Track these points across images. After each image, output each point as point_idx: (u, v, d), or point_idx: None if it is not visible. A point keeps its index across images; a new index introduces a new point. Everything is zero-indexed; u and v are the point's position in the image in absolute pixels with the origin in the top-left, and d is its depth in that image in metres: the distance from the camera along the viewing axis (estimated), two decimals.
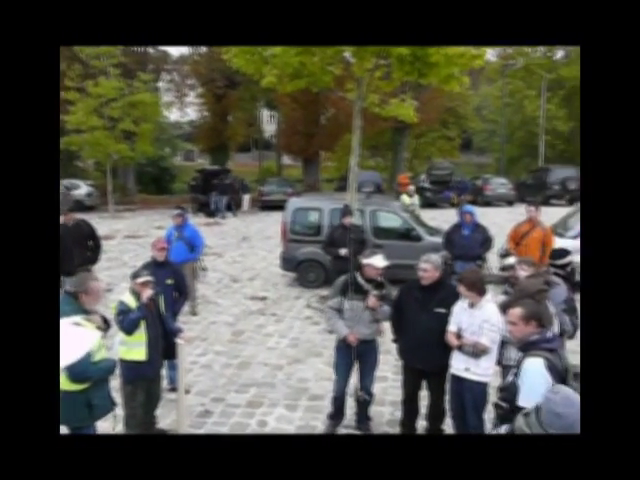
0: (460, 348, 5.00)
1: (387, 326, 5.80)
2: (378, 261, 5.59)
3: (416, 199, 15.15)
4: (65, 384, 4.18)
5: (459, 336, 5.03)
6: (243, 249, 16.88)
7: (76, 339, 3.80)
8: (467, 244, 9.35)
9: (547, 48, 41.44)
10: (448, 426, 5.56)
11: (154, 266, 6.61)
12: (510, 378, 3.80)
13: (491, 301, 5.06)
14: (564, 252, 6.39)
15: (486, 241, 9.50)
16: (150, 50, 32.30)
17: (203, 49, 33.88)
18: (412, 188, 15.52)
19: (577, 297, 5.91)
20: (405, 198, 15.00)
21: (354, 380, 5.86)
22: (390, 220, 11.96)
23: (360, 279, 5.65)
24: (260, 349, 8.43)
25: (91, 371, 4.35)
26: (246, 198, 27.63)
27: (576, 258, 10.52)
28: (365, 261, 5.63)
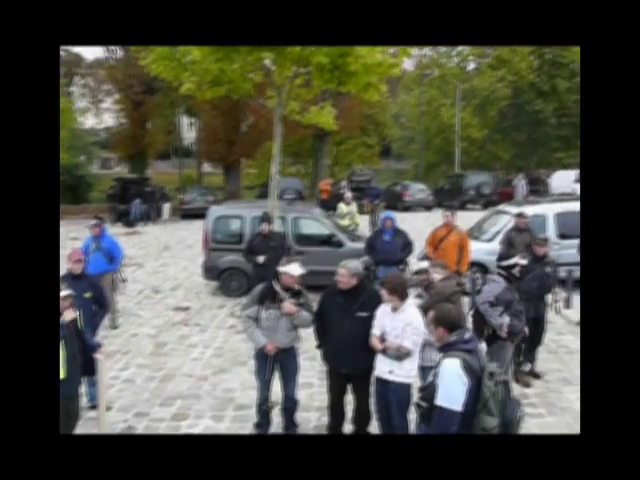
0: (384, 351, 5.09)
1: (310, 332, 5.83)
2: (294, 269, 5.60)
3: (354, 206, 15.17)
4: None
5: (383, 340, 5.13)
6: (164, 259, 16.54)
7: None
8: (388, 249, 9.55)
9: (460, 59, 43.05)
10: (374, 428, 5.64)
11: (71, 279, 6.37)
12: (430, 379, 3.91)
13: (413, 305, 5.19)
14: (507, 255, 6.63)
15: (407, 246, 9.73)
16: (62, 53, 31.17)
17: (119, 53, 33.02)
18: (349, 195, 15.52)
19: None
20: (342, 206, 15.03)
21: (277, 388, 5.87)
22: (312, 227, 12.04)
23: (277, 287, 5.66)
24: (184, 360, 8.27)
25: None
26: (166, 207, 27.12)
27: (489, 258, 11.11)
28: (282, 269, 5.63)
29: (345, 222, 14.31)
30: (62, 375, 5.15)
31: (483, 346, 6.05)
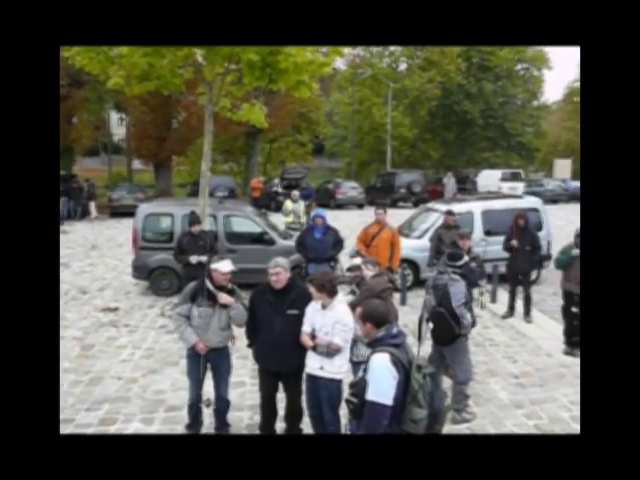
0: (314, 348, 5.12)
1: (242, 332, 5.81)
2: (224, 266, 5.58)
3: (301, 204, 15.06)
4: None
5: (313, 336, 5.16)
6: (92, 258, 16.05)
7: None
8: (319, 247, 9.61)
9: (392, 59, 43.77)
10: (306, 425, 5.67)
11: None
12: (360, 374, 3.96)
13: (342, 301, 5.24)
14: (460, 255, 6.72)
15: (337, 243, 9.82)
16: None
17: None
18: (296, 193, 15.36)
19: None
20: (288, 203, 14.93)
21: (209, 387, 5.81)
22: (243, 225, 11.99)
23: (209, 285, 5.62)
24: (112, 362, 8.06)
25: None
26: (92, 204, 26.31)
27: (418, 255, 11.35)
28: (212, 266, 5.61)
29: (289, 219, 14.29)
30: None
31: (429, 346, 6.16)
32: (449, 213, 10.38)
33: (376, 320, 3.93)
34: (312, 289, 5.11)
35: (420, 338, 6.19)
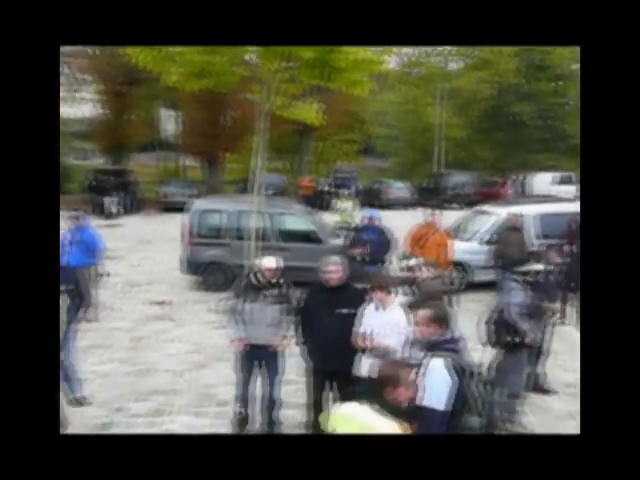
0: (368, 350, 5.06)
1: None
2: (268, 262, 5.59)
3: (349, 203, 14.96)
4: None
5: (367, 338, 5.09)
6: (144, 252, 16.36)
7: None
8: (372, 247, 9.55)
9: (442, 59, 43.14)
10: None
11: None
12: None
13: (398, 303, 5.16)
14: (524, 260, 6.53)
15: (390, 243, 9.74)
16: None
17: None
18: (347, 192, 15.37)
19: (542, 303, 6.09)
20: (338, 202, 14.90)
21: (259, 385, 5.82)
22: (293, 223, 12.02)
23: (257, 280, 5.62)
24: (162, 355, 8.18)
25: None
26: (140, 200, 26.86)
27: (469, 258, 11.12)
28: (257, 262, 5.64)
29: (338, 218, 14.26)
30: None
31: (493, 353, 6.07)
32: (514, 215, 10.17)
33: (442, 322, 3.84)
34: (369, 290, 5.06)
35: (489, 343, 6.04)
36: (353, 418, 3.27)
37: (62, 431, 5.14)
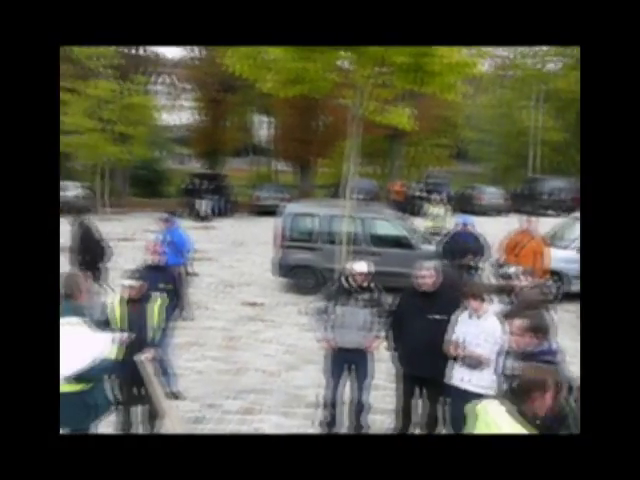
0: (460, 359, 4.97)
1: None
2: (359, 266, 5.60)
3: (441, 209, 14.75)
4: (63, 386, 4.12)
5: (459, 346, 5.01)
6: (238, 254, 16.81)
7: (83, 342, 3.76)
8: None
9: (537, 59, 41.64)
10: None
11: (148, 270, 6.52)
12: (505, 387, 3.78)
13: (493, 311, 5.04)
14: None
15: (484, 250, 9.53)
16: (144, 52, 32.24)
17: (202, 52, 33.87)
18: (438, 197, 15.25)
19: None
20: (430, 207, 14.81)
21: (347, 389, 5.84)
22: (385, 228, 11.98)
23: (348, 284, 5.65)
24: (256, 355, 8.38)
25: (92, 372, 4.29)
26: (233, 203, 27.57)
27: (565, 266, 10.66)
28: (347, 266, 5.66)
29: (430, 224, 14.14)
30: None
31: None
32: None
33: (538, 333, 3.74)
34: (465, 297, 4.97)
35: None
36: (486, 412, 3.23)
37: (159, 421, 5.38)
